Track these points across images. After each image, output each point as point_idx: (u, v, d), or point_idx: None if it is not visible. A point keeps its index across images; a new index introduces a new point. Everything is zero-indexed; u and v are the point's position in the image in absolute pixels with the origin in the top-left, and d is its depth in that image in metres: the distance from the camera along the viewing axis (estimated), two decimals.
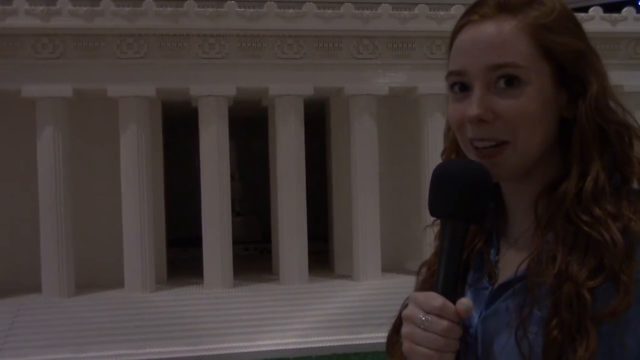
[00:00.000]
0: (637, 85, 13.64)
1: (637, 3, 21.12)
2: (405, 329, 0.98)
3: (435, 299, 0.96)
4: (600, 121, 1.02)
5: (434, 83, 13.03)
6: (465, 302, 0.97)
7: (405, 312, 0.99)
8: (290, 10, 13.25)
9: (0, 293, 12.47)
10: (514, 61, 1.00)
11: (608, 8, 15.05)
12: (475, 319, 1.08)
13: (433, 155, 13.53)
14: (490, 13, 1.03)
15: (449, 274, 1.00)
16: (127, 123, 12.73)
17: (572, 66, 1.02)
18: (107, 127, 13.46)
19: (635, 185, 1.02)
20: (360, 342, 10.83)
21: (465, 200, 1.00)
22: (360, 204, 13.44)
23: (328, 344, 11.03)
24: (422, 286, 1.15)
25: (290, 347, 10.92)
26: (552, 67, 1.01)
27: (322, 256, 15.59)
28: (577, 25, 1.05)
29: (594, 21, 13.90)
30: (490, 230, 1.15)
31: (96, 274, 13.32)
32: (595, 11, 14.12)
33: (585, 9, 14.34)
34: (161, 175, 14.34)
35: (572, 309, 0.93)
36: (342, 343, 11.00)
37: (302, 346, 10.94)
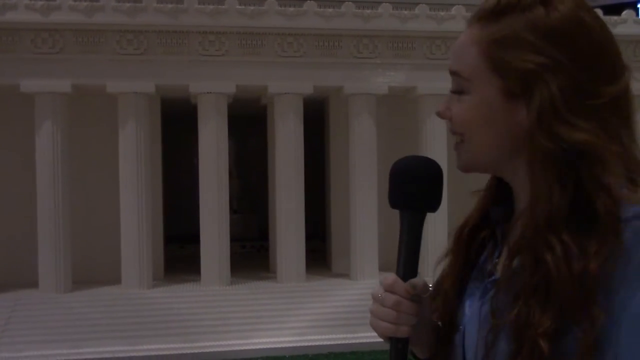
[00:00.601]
0: (637, 88, 13.65)
1: (637, 6, 21.15)
2: (370, 306, 1.11)
3: (388, 278, 1.09)
4: (544, 141, 0.96)
5: (434, 83, 13.05)
6: (414, 281, 1.08)
7: (371, 292, 1.12)
8: (291, 9, 13.24)
9: None
10: (458, 70, 1.07)
11: (608, 10, 15.06)
12: (467, 315, 1.13)
13: (431, 154, 13.53)
14: (472, 20, 1.08)
15: (409, 259, 1.11)
16: (126, 119, 12.71)
17: (518, 82, 1.00)
18: (106, 123, 13.44)
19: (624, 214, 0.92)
20: (357, 341, 10.83)
21: (418, 191, 1.10)
22: (358, 203, 13.44)
23: (325, 343, 11.04)
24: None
25: (287, 345, 10.92)
26: (501, 82, 1.02)
27: (319, 255, 15.59)
28: (549, 39, 0.98)
29: None
30: (497, 234, 1.17)
31: (93, 270, 13.31)
32: None
33: None
34: (159, 171, 14.33)
35: (532, 357, 0.94)
36: (339, 342, 11.01)
37: (298, 344, 10.95)
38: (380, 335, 1.11)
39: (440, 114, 1.11)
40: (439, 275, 1.23)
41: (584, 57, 0.98)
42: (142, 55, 12.80)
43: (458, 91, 1.08)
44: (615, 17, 14.32)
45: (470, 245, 1.19)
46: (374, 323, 1.10)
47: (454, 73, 1.08)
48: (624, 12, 14.56)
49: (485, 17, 1.05)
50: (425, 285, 1.10)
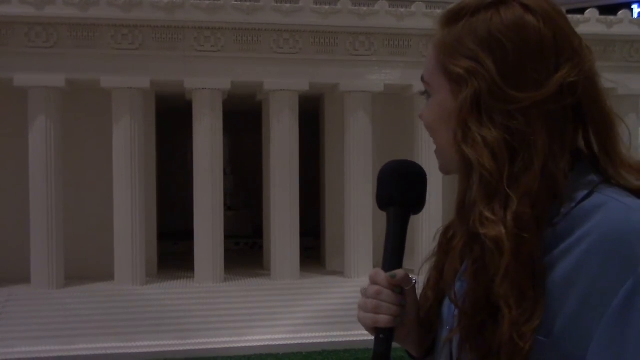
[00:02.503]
0: (632, 88, 13.70)
1: (631, 7, 21.19)
2: (358, 301, 1.16)
3: (372, 271, 1.14)
4: (455, 146, 1.04)
5: None
6: (395, 271, 1.12)
7: (360, 287, 1.18)
8: (287, 5, 13.19)
9: None
10: (423, 75, 1.14)
11: (604, 10, 15.08)
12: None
13: (426, 153, 13.52)
14: (437, 25, 1.13)
15: (393, 254, 1.16)
16: (120, 115, 12.63)
17: (455, 86, 1.05)
18: (100, 119, 13.35)
19: None
20: (351, 338, 10.79)
21: (402, 191, 1.19)
22: (352, 201, 13.42)
23: (318, 340, 11.01)
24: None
25: (281, 342, 10.88)
26: (449, 85, 1.06)
27: (313, 252, 15.56)
28: (483, 44, 1.01)
29: (590, 23, 13.93)
30: None
31: (86, 265, 13.22)
32: (591, 13, 14.15)
33: (581, 11, 14.36)
34: (153, 167, 14.24)
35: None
36: (333, 339, 10.97)
37: (292, 342, 10.91)
38: (365, 327, 1.14)
39: (419, 116, 1.19)
40: (426, 277, 1.25)
41: (510, 63, 0.99)
42: (137, 50, 12.72)
43: (427, 95, 1.14)
44: (611, 17, 14.34)
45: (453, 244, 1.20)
46: (359, 315, 1.14)
47: (421, 78, 1.15)
48: (620, 12, 14.57)
49: (444, 22, 1.10)
50: (407, 277, 1.13)
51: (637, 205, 0.94)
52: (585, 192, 0.97)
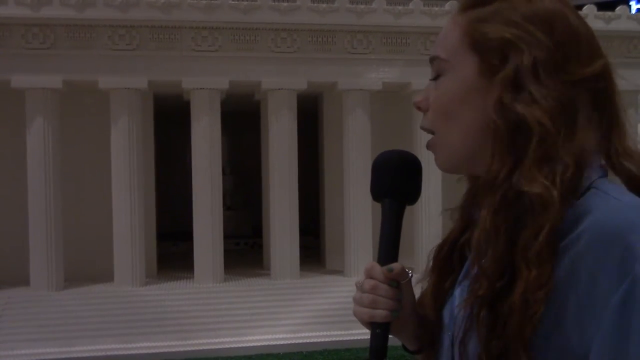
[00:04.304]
0: (630, 83, 13.69)
1: (629, 3, 21.17)
2: (354, 295, 1.13)
3: (367, 264, 1.11)
4: (503, 114, 0.98)
5: (428, 79, 12.96)
6: (391, 265, 1.09)
7: (355, 280, 1.17)
8: (285, 4, 13.16)
9: None
10: (437, 54, 1.05)
11: (602, 6, 15.05)
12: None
13: (425, 151, 13.46)
14: (457, 11, 1.08)
15: (389, 247, 1.13)
16: (118, 115, 12.60)
17: (494, 53, 1.00)
18: (98, 120, 13.31)
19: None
20: (352, 337, 10.77)
21: (397, 181, 1.15)
22: (352, 199, 13.39)
23: (319, 340, 10.98)
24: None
25: (281, 342, 10.86)
26: (478, 57, 1.01)
27: (313, 251, 15.54)
28: (529, 19, 0.99)
29: (588, 19, 13.76)
30: None
31: (85, 267, 13.19)
32: (589, 9, 14.13)
33: (579, 8, 14.33)
34: (152, 168, 14.23)
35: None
36: (333, 339, 10.95)
37: (292, 341, 10.89)
38: (361, 322, 1.12)
39: (417, 103, 1.10)
40: (420, 294, 1.21)
41: (560, 39, 0.99)
42: (135, 50, 12.69)
43: (436, 76, 1.07)
44: (609, 13, 14.32)
45: (450, 260, 1.19)
46: (355, 309, 1.11)
47: (434, 59, 1.07)
48: (618, 8, 14.55)
49: (470, 5, 1.06)
50: (403, 270, 1.11)
51: (634, 202, 0.93)
52: (586, 185, 0.97)
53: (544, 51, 0.98)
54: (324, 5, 13.32)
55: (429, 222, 13.08)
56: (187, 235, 13.67)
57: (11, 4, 12.17)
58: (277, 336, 10.97)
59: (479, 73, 1.01)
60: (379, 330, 1.09)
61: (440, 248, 1.19)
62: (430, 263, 1.18)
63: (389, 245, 1.14)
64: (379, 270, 1.10)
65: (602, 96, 1.03)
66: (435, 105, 1.06)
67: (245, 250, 17.67)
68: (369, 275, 1.10)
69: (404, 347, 1.24)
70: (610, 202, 0.93)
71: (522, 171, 0.95)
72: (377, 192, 1.17)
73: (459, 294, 1.08)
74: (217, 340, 10.78)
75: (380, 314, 1.08)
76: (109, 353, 10.36)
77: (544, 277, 0.91)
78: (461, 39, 1.03)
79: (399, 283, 1.11)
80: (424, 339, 1.20)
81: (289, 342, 10.87)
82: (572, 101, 0.98)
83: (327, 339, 10.98)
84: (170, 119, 16.76)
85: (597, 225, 0.91)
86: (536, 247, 0.92)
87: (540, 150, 0.95)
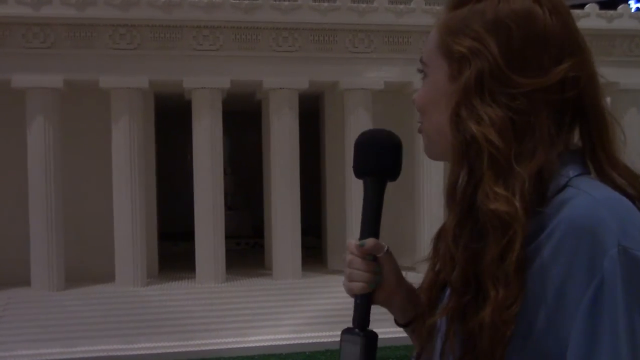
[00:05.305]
0: (632, 82, 13.66)
1: (627, 1, 21.13)
2: None
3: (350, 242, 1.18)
4: (453, 128, 1.02)
5: None
6: (365, 240, 1.16)
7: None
8: (286, 3, 13.12)
9: None
10: (422, 57, 1.12)
11: (604, 5, 15.01)
12: None
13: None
14: (444, 9, 1.12)
15: (369, 222, 1.19)
16: (120, 115, 12.55)
17: (455, 66, 1.04)
18: (99, 119, 13.26)
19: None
20: None
21: (377, 159, 1.20)
22: (353, 199, 13.33)
23: (321, 340, 10.92)
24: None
25: (283, 342, 10.81)
26: (447, 65, 1.05)
27: (315, 251, 15.49)
28: (489, 27, 1.00)
29: (590, 18, 13.86)
30: None
31: (86, 267, 13.14)
32: (591, 8, 14.09)
33: (581, 6, 14.28)
34: (153, 168, 14.17)
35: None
36: (337, 339, 10.85)
37: (295, 342, 10.84)
38: (347, 293, 1.20)
39: (414, 101, 1.16)
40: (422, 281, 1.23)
41: (513, 47, 0.99)
42: (136, 50, 12.64)
43: (423, 76, 1.13)
44: (611, 12, 14.28)
45: None
46: (343, 284, 1.21)
47: (420, 59, 1.13)
48: (620, 7, 14.52)
49: (450, 6, 1.09)
50: (377, 244, 1.16)
51: (605, 196, 0.93)
52: (562, 183, 0.97)
53: (490, 64, 0.99)
54: (326, 4, 13.28)
55: (431, 223, 13.03)
56: (188, 235, 13.61)
57: (12, 3, 12.12)
58: (279, 336, 10.93)
59: (449, 79, 1.05)
60: (359, 301, 1.17)
61: (439, 234, 1.18)
62: (431, 248, 1.17)
63: (369, 222, 1.19)
64: (353, 245, 1.17)
65: (583, 102, 1.01)
66: (416, 103, 1.13)
67: (246, 250, 17.62)
68: (348, 250, 1.18)
69: (395, 321, 1.27)
70: (581, 197, 0.93)
71: (483, 188, 0.96)
72: (359, 170, 1.22)
73: (447, 296, 1.07)
74: (219, 341, 10.74)
75: (357, 285, 1.16)
76: (110, 353, 10.32)
77: (512, 297, 0.92)
78: (437, 44, 1.08)
79: (375, 257, 1.17)
80: (411, 315, 1.23)
81: (292, 342, 10.83)
82: (526, 113, 0.97)
83: (329, 339, 10.90)
84: (171, 118, 16.70)
85: (567, 221, 0.91)
86: (504, 269, 0.92)
87: (494, 167, 0.96)
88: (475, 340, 0.94)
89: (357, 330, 1.16)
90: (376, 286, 1.17)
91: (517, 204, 0.92)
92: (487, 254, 0.94)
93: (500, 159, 0.95)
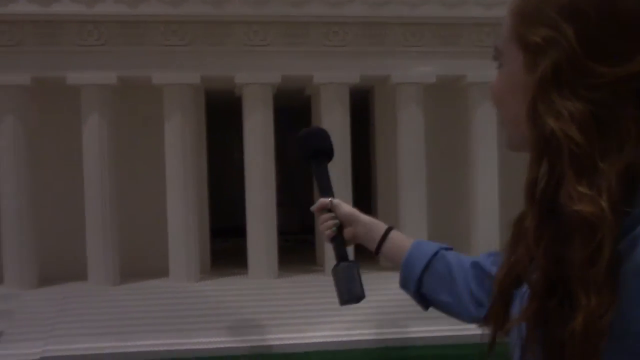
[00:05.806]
0: None
1: None
2: None
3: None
4: (529, 123, 0.95)
5: (483, 71, 12.63)
6: (316, 204, 1.67)
7: None
8: None
9: (46, 281, 12.47)
10: (496, 44, 1.06)
11: None
12: None
13: (482, 144, 13.20)
14: None
15: (322, 191, 1.68)
16: (172, 111, 12.60)
17: (530, 56, 0.97)
18: (151, 115, 13.34)
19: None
20: (409, 335, 10.59)
21: (317, 146, 1.70)
22: (406, 197, 13.16)
23: (376, 337, 10.80)
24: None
25: (338, 339, 10.70)
26: (522, 55, 0.99)
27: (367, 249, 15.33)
28: (565, 12, 0.93)
29: None
30: None
31: (141, 263, 13.23)
32: None
33: None
34: (205, 164, 14.22)
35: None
36: (392, 336, 10.75)
37: (349, 339, 10.72)
38: (326, 242, 1.69)
39: (489, 88, 1.13)
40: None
41: (592, 33, 0.92)
42: (187, 46, 12.68)
43: (499, 64, 1.07)
44: None
45: None
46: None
47: (494, 46, 1.08)
48: None
49: None
50: (321, 202, 1.65)
51: None
52: None
53: (568, 53, 0.92)
54: None
55: (485, 217, 12.79)
56: (238, 231, 13.61)
57: (65, 1, 12.26)
58: (334, 333, 10.82)
59: (524, 69, 0.99)
60: (334, 243, 1.63)
61: (518, 227, 1.07)
62: (509, 237, 1.07)
63: (322, 190, 1.67)
64: (312, 208, 1.68)
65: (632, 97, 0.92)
66: (492, 93, 1.08)
67: (295, 247, 17.57)
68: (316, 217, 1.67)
69: (372, 253, 1.65)
70: None
71: (565, 188, 0.89)
72: (305, 157, 1.68)
73: (522, 297, 0.99)
74: (273, 337, 10.70)
75: (327, 232, 1.64)
76: (165, 348, 10.37)
77: (605, 304, 0.85)
78: (510, 32, 1.02)
79: (329, 210, 1.64)
80: (377, 243, 1.64)
81: (346, 339, 10.71)
82: (609, 106, 0.90)
83: (384, 337, 10.80)
84: (221, 114, 16.74)
85: None
86: (594, 274, 0.86)
87: (575, 165, 0.89)
88: (563, 350, 0.88)
89: (341, 262, 1.59)
90: (338, 229, 1.63)
91: (604, 204, 0.86)
92: (574, 259, 0.87)
93: (582, 156, 0.89)
